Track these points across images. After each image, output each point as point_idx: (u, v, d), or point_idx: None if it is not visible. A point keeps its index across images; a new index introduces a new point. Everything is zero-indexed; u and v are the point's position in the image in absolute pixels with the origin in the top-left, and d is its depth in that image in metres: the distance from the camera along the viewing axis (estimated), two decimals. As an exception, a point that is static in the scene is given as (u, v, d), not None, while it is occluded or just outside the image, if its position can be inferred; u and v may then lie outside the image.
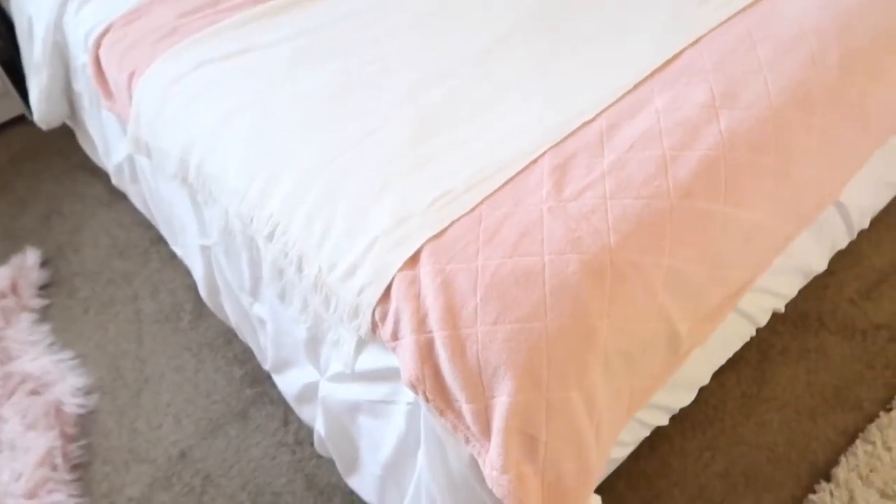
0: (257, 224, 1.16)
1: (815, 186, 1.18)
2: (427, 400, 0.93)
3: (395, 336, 0.98)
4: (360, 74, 1.32)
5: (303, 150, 1.18)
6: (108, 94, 1.58)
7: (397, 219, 1.04)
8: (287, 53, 1.39)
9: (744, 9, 1.34)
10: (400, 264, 0.99)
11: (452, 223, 1.02)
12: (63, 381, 1.66)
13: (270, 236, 1.14)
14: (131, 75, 1.48)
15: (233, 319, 1.48)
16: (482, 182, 1.07)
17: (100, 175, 2.20)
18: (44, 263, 1.97)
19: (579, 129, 1.14)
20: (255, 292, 1.32)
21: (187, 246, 1.53)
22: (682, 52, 1.26)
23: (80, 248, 2.02)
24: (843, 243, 1.36)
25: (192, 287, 1.84)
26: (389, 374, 1.02)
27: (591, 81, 1.23)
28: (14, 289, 1.88)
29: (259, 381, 1.62)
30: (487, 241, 0.99)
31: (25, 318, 1.82)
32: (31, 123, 2.48)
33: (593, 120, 1.15)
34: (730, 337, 1.23)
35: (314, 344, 1.17)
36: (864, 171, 1.29)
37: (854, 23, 1.28)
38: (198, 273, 1.51)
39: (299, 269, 1.09)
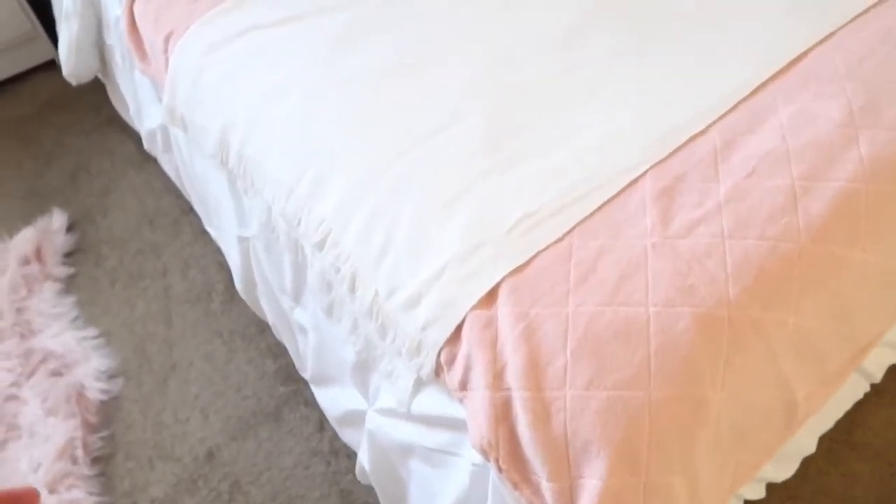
0: (305, 228, 1.02)
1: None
2: (500, 469, 0.79)
3: (464, 386, 0.83)
4: (420, 53, 1.15)
5: (359, 145, 1.03)
6: (143, 55, 1.43)
7: (472, 243, 0.88)
8: (340, 22, 1.22)
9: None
10: (474, 301, 0.84)
11: (537, 254, 0.87)
12: (87, 361, 1.56)
13: (321, 245, 0.99)
14: (168, 37, 1.32)
15: (270, 318, 1.36)
16: (572, 204, 0.90)
17: (131, 133, 2.06)
18: (70, 227, 1.85)
19: (687, 142, 0.96)
20: (297, 297, 1.18)
21: (223, 230, 1.39)
22: (807, 51, 1.07)
23: (109, 211, 1.89)
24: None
25: (224, 266, 1.71)
26: (453, 424, 0.88)
27: (697, 82, 1.04)
28: (38, 254, 1.76)
29: (293, 378, 1.50)
30: (581, 281, 0.83)
31: (49, 288, 1.71)
32: (61, 71, 2.34)
33: (704, 132, 0.97)
34: (844, 398, 1.07)
35: (363, 369, 1.03)
36: None
37: None
38: (234, 263, 1.37)
39: (352, 289, 0.95)
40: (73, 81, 1.83)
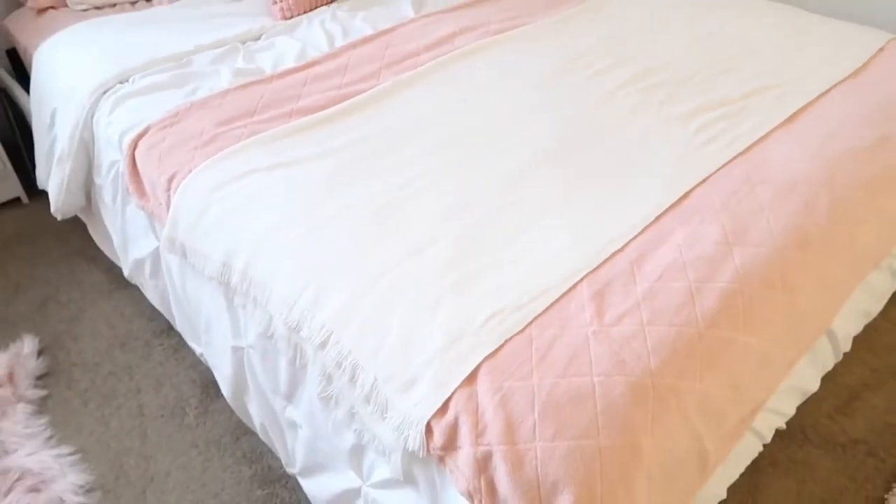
0: (308, 332, 1.22)
1: (815, 316, 1.32)
2: (487, 512, 0.99)
3: (448, 447, 1.04)
4: (397, 193, 1.42)
5: (352, 265, 1.26)
6: (142, 193, 1.64)
7: (453, 336, 1.12)
8: (328, 169, 1.49)
9: (740, 153, 1.52)
10: (461, 380, 1.06)
11: (506, 342, 1.11)
12: (63, 477, 1.63)
13: (323, 345, 1.20)
14: (171, 178, 1.55)
15: (257, 420, 1.51)
16: (529, 303, 1.17)
17: (98, 263, 2.22)
18: (41, 352, 1.95)
19: (611, 257, 1.26)
20: (290, 396, 1.36)
21: (213, 345, 1.56)
22: (692, 189, 1.42)
23: (79, 337, 2.01)
24: (830, 365, 1.50)
25: (198, 382, 1.85)
26: (436, 485, 1.07)
27: (614, 213, 1.36)
28: (10, 378, 1.85)
29: (269, 481, 1.62)
30: (540, 360, 1.08)
31: (22, 410, 1.78)
32: (27, 206, 2.49)
33: (622, 249, 1.28)
34: (742, 454, 1.33)
35: (358, 451, 1.21)
36: (848, 300, 1.44)
37: (839, 173, 1.46)
38: (224, 372, 1.53)
39: (353, 379, 1.15)
40: (59, 217, 2.00)
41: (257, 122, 1.66)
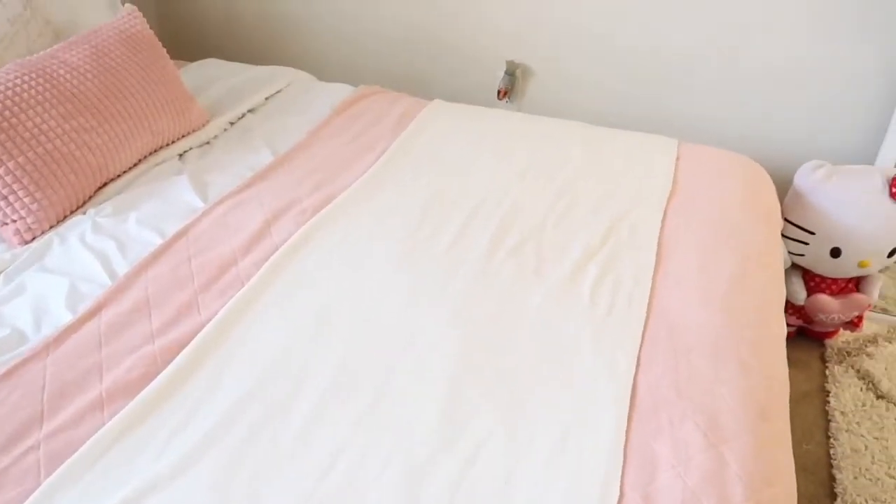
0: None
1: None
2: None
3: None
4: (328, 486, 1.06)
5: None
6: None
7: None
8: (206, 481, 1.06)
9: (646, 318, 1.43)
10: None
11: None
12: None
13: None
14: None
15: None
16: None
17: None
18: None
19: (621, 516, 1.05)
20: None
21: None
22: (634, 379, 1.28)
23: None
24: None
25: None
26: None
27: (581, 445, 1.15)
28: None
29: None
30: None
31: None
32: None
33: (623, 494, 1.08)
34: None
35: None
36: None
37: (739, 316, 1.45)
38: None
39: None
40: None
41: (55, 434, 1.14)
